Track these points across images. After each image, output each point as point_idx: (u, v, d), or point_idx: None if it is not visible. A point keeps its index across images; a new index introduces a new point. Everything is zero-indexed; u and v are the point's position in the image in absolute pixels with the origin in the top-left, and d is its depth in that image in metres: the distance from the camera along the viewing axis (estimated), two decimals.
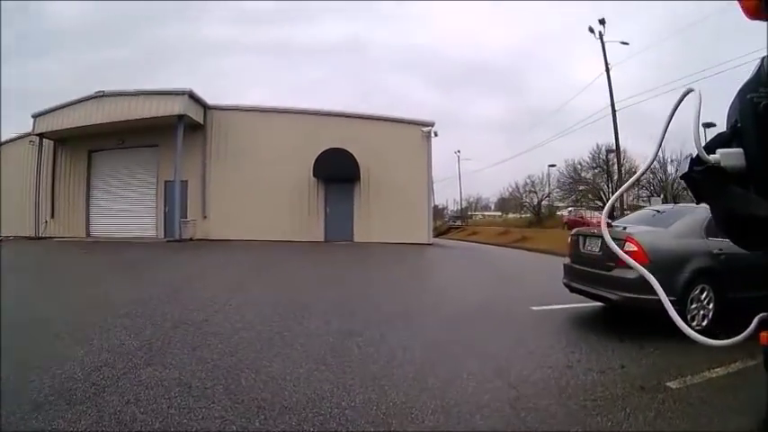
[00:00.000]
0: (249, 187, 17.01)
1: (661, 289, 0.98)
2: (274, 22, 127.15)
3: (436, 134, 18.12)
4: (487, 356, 3.75)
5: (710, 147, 0.81)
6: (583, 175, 34.54)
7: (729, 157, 0.78)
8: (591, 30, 21.79)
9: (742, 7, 0.85)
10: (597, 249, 5.12)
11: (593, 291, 5.05)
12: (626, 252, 4.11)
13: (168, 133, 16.10)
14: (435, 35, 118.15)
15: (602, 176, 32.51)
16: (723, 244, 4.48)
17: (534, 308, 5.84)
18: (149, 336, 4.01)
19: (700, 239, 4.73)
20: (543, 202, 38.62)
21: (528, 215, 39.67)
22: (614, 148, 23.02)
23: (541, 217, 36.28)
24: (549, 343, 4.30)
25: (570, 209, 34.17)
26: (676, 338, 3.96)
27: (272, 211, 17.01)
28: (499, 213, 56.73)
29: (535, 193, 39.21)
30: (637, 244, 4.50)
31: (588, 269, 5.18)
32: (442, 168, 50.14)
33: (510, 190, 43.39)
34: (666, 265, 4.41)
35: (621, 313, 5.19)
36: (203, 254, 12.12)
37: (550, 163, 36.60)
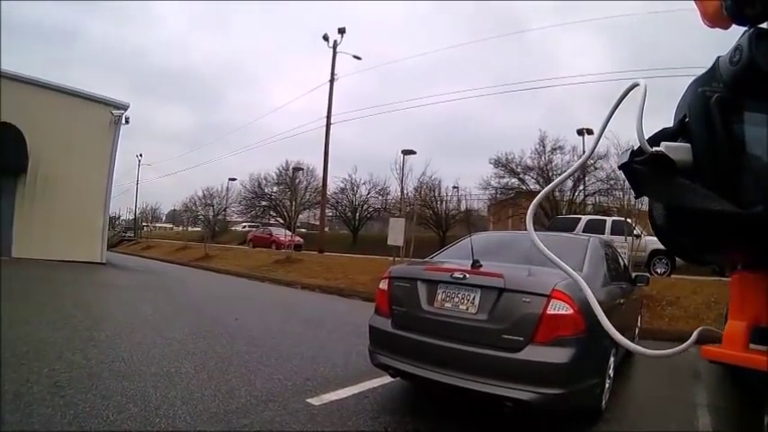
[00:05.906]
0: None
1: (597, 303, 0.97)
2: None
3: (128, 121, 15.35)
4: None
5: (655, 140, 0.78)
6: (267, 190, 34.88)
7: (674, 150, 0.75)
8: (325, 37, 21.51)
9: (701, 14, 0.89)
10: (473, 309, 2.79)
11: (463, 383, 2.67)
12: (554, 315, 2.61)
13: None
14: (149, 36, 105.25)
15: (285, 193, 32.92)
16: (620, 289, 3.66)
17: (312, 400, 3.22)
18: None
19: (612, 286, 3.38)
20: (219, 216, 38.43)
21: (200, 229, 38.17)
22: (301, 166, 25.30)
23: (216, 231, 35.80)
24: None
25: (245, 224, 34.22)
26: None
27: None
28: (170, 225, 53.07)
29: (212, 206, 38.52)
30: (570, 302, 2.59)
31: (448, 344, 2.78)
32: (119, 174, 41.70)
33: (186, 202, 40.81)
34: (601, 334, 2.22)
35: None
36: None
37: (231, 176, 36.61)
